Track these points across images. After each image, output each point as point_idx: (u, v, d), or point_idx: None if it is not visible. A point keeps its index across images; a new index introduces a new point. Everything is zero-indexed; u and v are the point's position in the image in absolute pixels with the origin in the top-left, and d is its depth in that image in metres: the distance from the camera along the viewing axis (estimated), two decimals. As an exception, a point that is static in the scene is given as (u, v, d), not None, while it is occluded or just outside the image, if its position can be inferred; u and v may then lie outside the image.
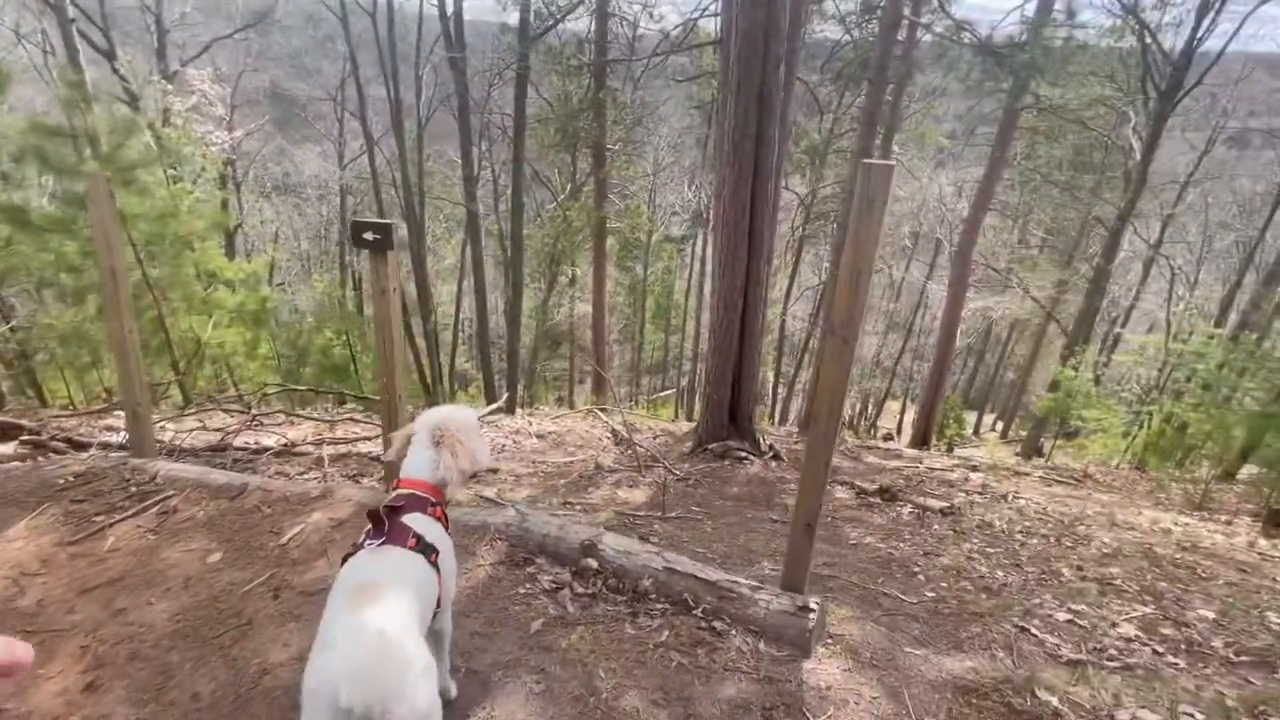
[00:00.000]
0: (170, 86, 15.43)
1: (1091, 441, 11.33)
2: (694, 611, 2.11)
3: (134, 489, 2.94)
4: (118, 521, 2.71)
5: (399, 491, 1.51)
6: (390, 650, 1.13)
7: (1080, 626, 2.47)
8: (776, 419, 20.74)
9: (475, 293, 13.63)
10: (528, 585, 2.27)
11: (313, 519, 2.64)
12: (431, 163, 18.23)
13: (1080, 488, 6.05)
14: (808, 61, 13.00)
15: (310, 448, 5.03)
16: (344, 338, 11.05)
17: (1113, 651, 2.26)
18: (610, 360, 21.60)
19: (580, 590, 2.23)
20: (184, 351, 6.99)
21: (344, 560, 1.38)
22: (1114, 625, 2.48)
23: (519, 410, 9.73)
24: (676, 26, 11.43)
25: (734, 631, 2.05)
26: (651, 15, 12.48)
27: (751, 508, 4.27)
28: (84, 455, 3.83)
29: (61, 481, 3.05)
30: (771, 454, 5.61)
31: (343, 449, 5.05)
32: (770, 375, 22.68)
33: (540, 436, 7.07)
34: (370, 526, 1.44)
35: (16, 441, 4.01)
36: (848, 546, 3.49)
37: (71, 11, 11.46)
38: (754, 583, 2.17)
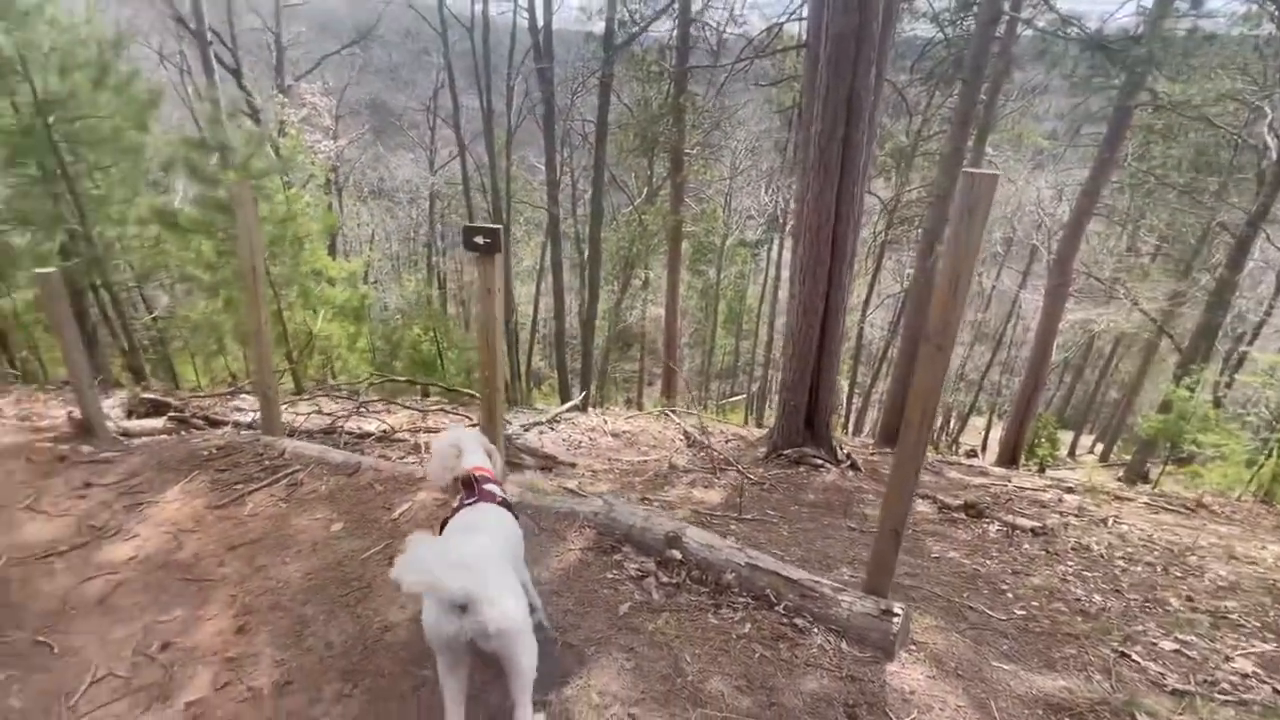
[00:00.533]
0: (286, 100, 16.84)
1: (1208, 469, 10.36)
2: (776, 607, 2.17)
3: (266, 462, 3.31)
4: (254, 490, 3.06)
5: (480, 472, 1.93)
6: (485, 560, 1.44)
7: (1189, 658, 2.34)
8: (850, 429, 20.16)
9: (554, 294, 14.07)
10: (615, 571, 2.40)
11: (419, 497, 2.89)
12: (515, 168, 18.96)
13: (1193, 517, 5.59)
14: (895, 61, 12.62)
15: (406, 435, 5.42)
16: (432, 334, 11.72)
17: (1226, 686, 2.13)
18: (680, 364, 21.67)
19: (665, 579, 2.34)
20: (297, 342, 7.66)
21: (443, 524, 1.79)
22: (1228, 659, 2.33)
23: (591, 409, 9.99)
24: (761, 32, 11.40)
25: (816, 629, 2.09)
26: (735, 20, 12.49)
27: (828, 515, 4.25)
28: (220, 431, 4.31)
29: (206, 453, 3.47)
30: (849, 463, 5.52)
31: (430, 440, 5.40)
32: (845, 384, 22.05)
33: (615, 435, 7.25)
34: (463, 492, 1.87)
35: (165, 417, 4.56)
36: (930, 560, 3.42)
37: (208, 35, 12.77)
38: (836, 584, 2.20)
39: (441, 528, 1.81)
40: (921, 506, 4.40)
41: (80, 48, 6.81)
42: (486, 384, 2.84)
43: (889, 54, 5.79)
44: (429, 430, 5.65)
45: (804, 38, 7.72)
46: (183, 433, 4.35)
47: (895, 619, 2.01)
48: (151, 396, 4.90)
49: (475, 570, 1.35)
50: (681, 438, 7.16)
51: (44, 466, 3.39)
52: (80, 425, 3.83)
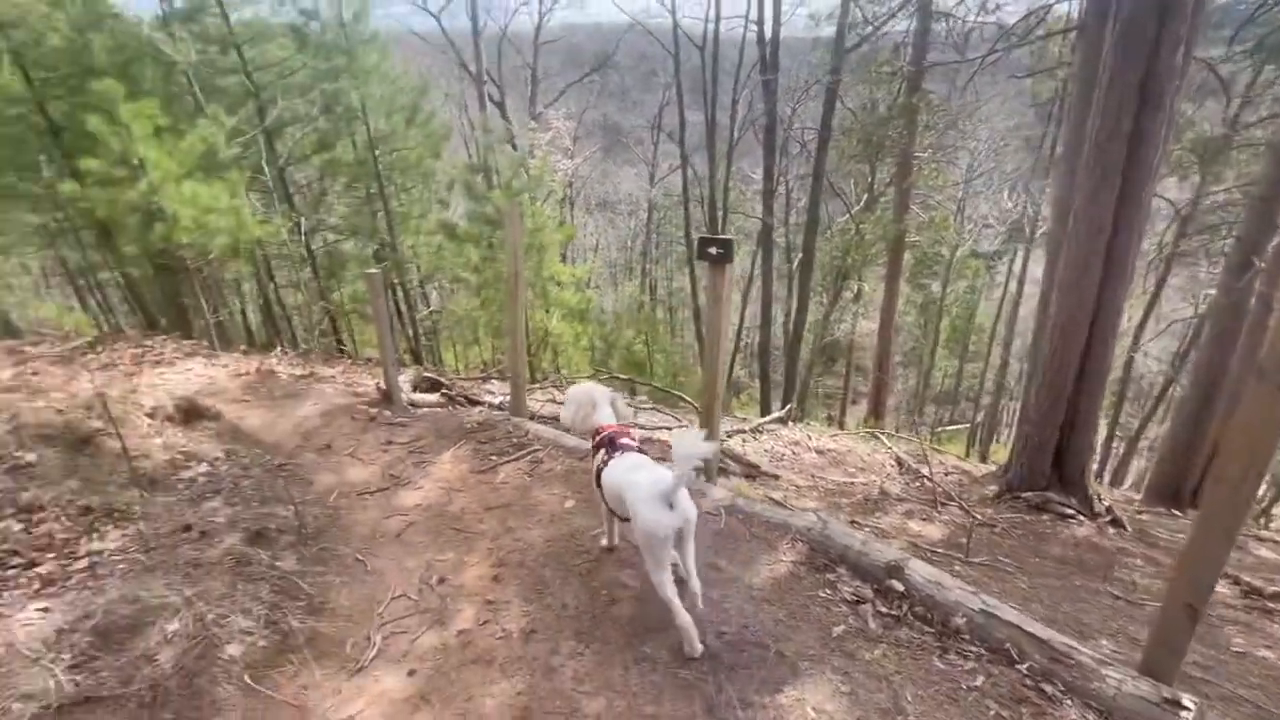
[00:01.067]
0: (536, 126, 19.27)
1: None
2: (1017, 666, 1.93)
3: (515, 440, 3.84)
4: (505, 462, 3.58)
5: (609, 432, 2.33)
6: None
7: None
8: (1107, 479, 16.78)
9: (761, 303, 14.02)
10: (828, 590, 2.34)
11: (639, 488, 3.12)
12: (731, 178, 19.30)
13: None
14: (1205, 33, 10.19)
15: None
16: (643, 337, 12.45)
17: None
18: (892, 383, 20.06)
19: (883, 609, 2.22)
20: (535, 338, 8.75)
21: (598, 473, 2.25)
22: None
23: (791, 423, 9.75)
24: (1021, 18, 10.09)
25: (1069, 702, 1.82)
26: (986, 8, 11.22)
27: (1080, 574, 3.62)
28: (478, 409, 5.09)
29: (470, 426, 4.14)
30: (1108, 517, 4.64)
31: (646, 434, 5.75)
32: (1104, 424, 18.41)
33: (819, 452, 6.99)
34: (605, 449, 2.28)
35: (439, 393, 5.53)
36: (1230, 653, 2.74)
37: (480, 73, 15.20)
38: (1098, 655, 1.89)
39: (598, 476, 2.27)
40: (1219, 586, 3.54)
41: (399, 95, 8.59)
42: (708, 387, 2.96)
43: (1200, 29, 4.75)
44: (641, 426, 6.04)
45: (1077, 18, 6.66)
46: (451, 408, 5.23)
47: (1185, 713, 1.66)
48: (430, 375, 5.98)
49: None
50: (893, 463, 6.67)
51: (361, 424, 4.34)
52: (384, 394, 4.83)
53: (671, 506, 1.91)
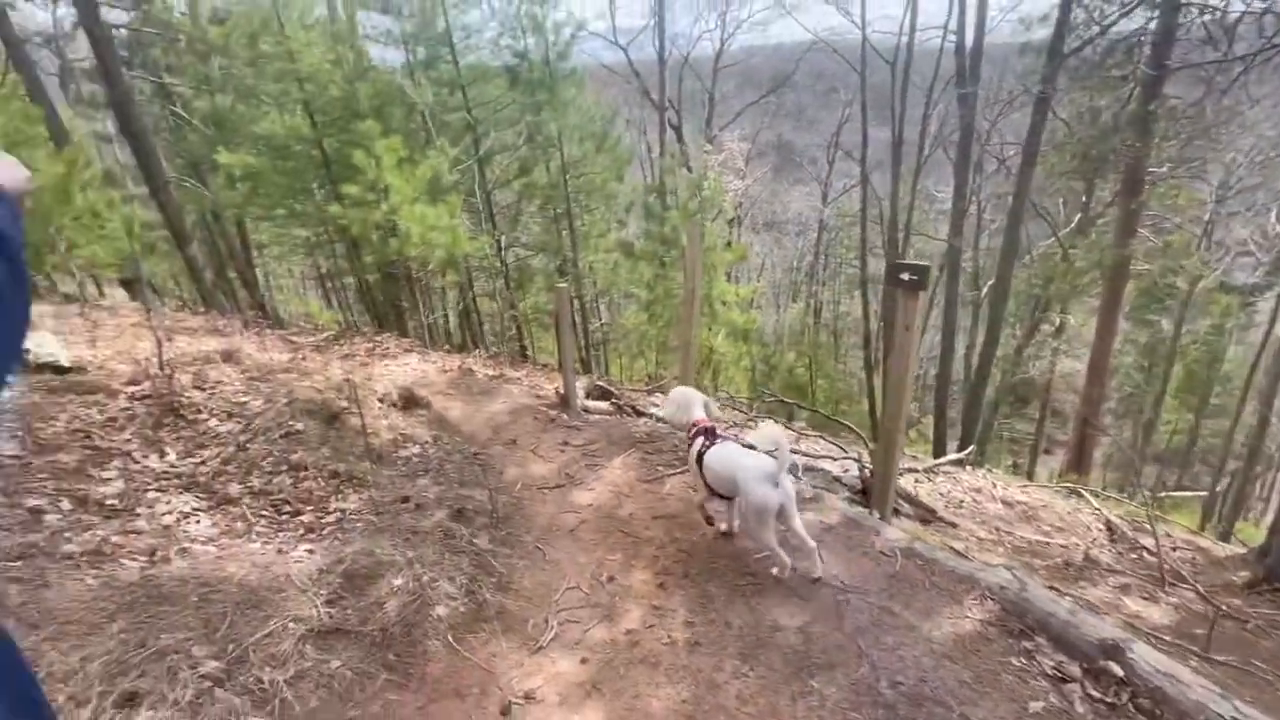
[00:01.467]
0: (710, 148, 19.71)
1: None
2: (1284, 796, 1.58)
3: (680, 453, 3.95)
4: (672, 474, 3.70)
5: (704, 425, 2.90)
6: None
7: None
8: None
9: (942, 332, 12.89)
10: (1023, 659, 2.10)
11: (805, 516, 3.04)
12: (915, 197, 18.08)
13: None
14: None
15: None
16: (807, 361, 12.07)
17: None
18: (1100, 434, 17.20)
19: (1094, 693, 1.94)
20: (698, 356, 8.92)
21: (699, 457, 2.79)
22: None
23: (969, 467, 8.81)
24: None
25: None
26: (1260, -6, 9.30)
27: (1377, 701, 2.83)
28: (643, 421, 5.31)
29: (638, 436, 4.34)
30: None
31: (808, 461, 5.57)
32: None
33: (1006, 503, 6.25)
34: (704, 437, 2.83)
35: (609, 401, 5.86)
36: None
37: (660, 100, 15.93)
38: None
39: (699, 459, 2.78)
40: None
41: (590, 123, 9.32)
42: (890, 421, 2.82)
43: None
44: (801, 453, 5.86)
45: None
46: (620, 416, 5.51)
47: None
48: (602, 384, 6.36)
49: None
50: (1101, 527, 5.76)
51: (542, 424, 4.75)
52: (562, 399, 5.23)
53: (776, 485, 2.40)
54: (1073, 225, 15.54)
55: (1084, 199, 15.88)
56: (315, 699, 1.85)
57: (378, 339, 7.47)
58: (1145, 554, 4.79)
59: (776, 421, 6.75)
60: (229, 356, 4.91)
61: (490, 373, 6.42)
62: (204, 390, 4.02)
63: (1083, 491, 7.23)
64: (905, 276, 2.62)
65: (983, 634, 2.22)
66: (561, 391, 5.33)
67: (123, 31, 12.03)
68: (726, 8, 23.30)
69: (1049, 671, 2.03)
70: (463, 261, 7.88)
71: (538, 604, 2.54)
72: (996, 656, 2.11)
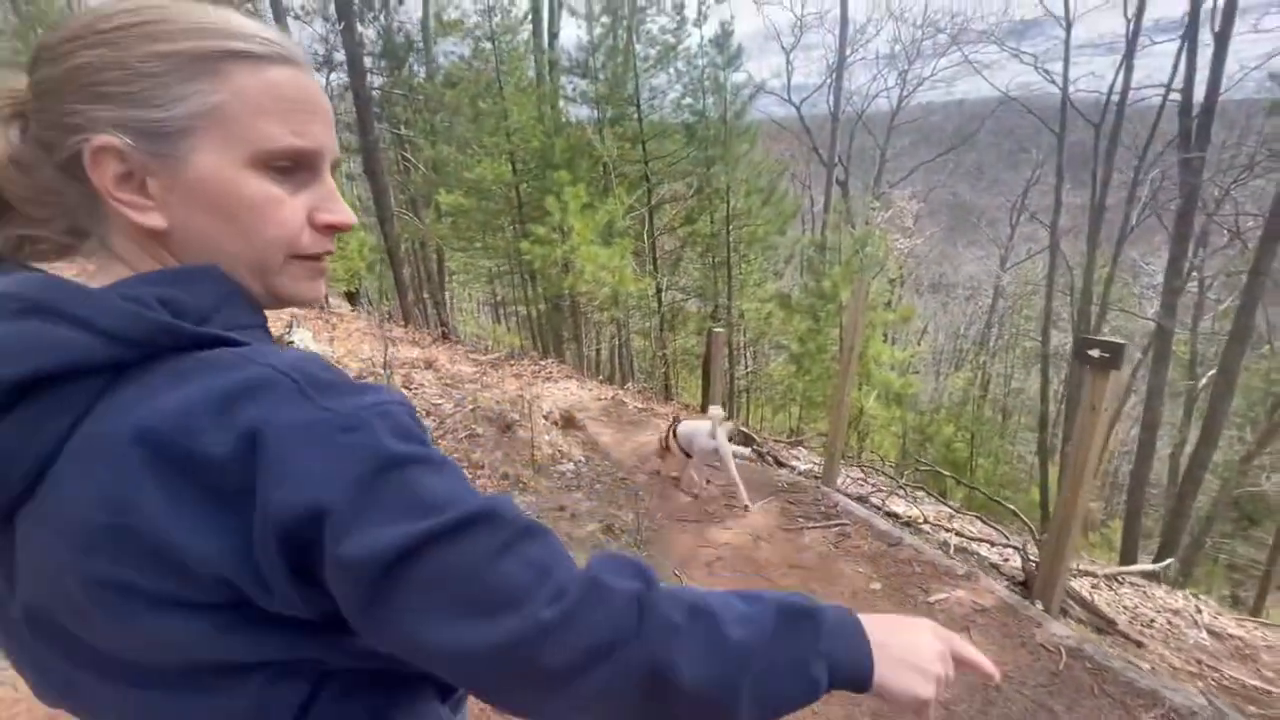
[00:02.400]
0: (878, 204, 19.19)
1: None
2: None
3: (822, 508, 3.92)
4: (811, 527, 3.69)
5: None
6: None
7: None
8: None
9: (1142, 424, 11.20)
10: (1215, 798, 1.84)
11: (957, 594, 2.89)
12: (1116, 269, 16.09)
13: None
14: None
15: (930, 528, 5.37)
16: (968, 436, 11.10)
17: None
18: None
19: None
20: (849, 414, 8.66)
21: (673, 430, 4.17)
22: None
23: (1185, 592, 7.47)
24: None
25: None
26: None
27: None
28: (784, 471, 5.30)
29: (779, 484, 4.36)
30: None
31: (963, 543, 5.16)
32: None
33: (1214, 634, 5.26)
34: (674, 420, 4.30)
35: (750, 448, 5.92)
36: None
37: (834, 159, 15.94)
38: None
39: (672, 432, 4.18)
40: None
41: (759, 177, 9.64)
42: (1066, 505, 2.63)
43: None
44: (954, 531, 5.44)
45: None
46: (760, 464, 5.55)
47: None
48: (745, 430, 6.44)
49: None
50: (1353, 689, 4.65)
51: (685, 459, 4.95)
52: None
53: (713, 438, 3.72)
54: (1334, 315, 12.85)
55: (1354, 284, 13.10)
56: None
57: (542, 363, 8.23)
58: None
59: (923, 490, 6.34)
60: (429, 364, 5.75)
61: (639, 405, 6.79)
62: (410, 390, 4.76)
63: (1329, 640, 5.88)
64: (1095, 354, 2.47)
65: (1163, 758, 1.98)
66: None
67: (376, 92, 14.73)
68: (908, 66, 22.87)
69: (1249, 819, 1.77)
70: (625, 300, 8.47)
71: (673, 625, 2.68)
72: (1179, 786, 1.87)
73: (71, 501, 0.39)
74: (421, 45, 14.30)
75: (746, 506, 3.86)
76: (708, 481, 4.48)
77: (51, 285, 0.42)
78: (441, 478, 0.42)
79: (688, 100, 10.01)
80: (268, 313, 0.53)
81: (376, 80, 14.95)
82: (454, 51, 11.91)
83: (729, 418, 5.14)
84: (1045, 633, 2.60)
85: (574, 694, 0.41)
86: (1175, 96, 10.34)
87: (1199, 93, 9.88)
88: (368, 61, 14.05)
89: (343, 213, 0.51)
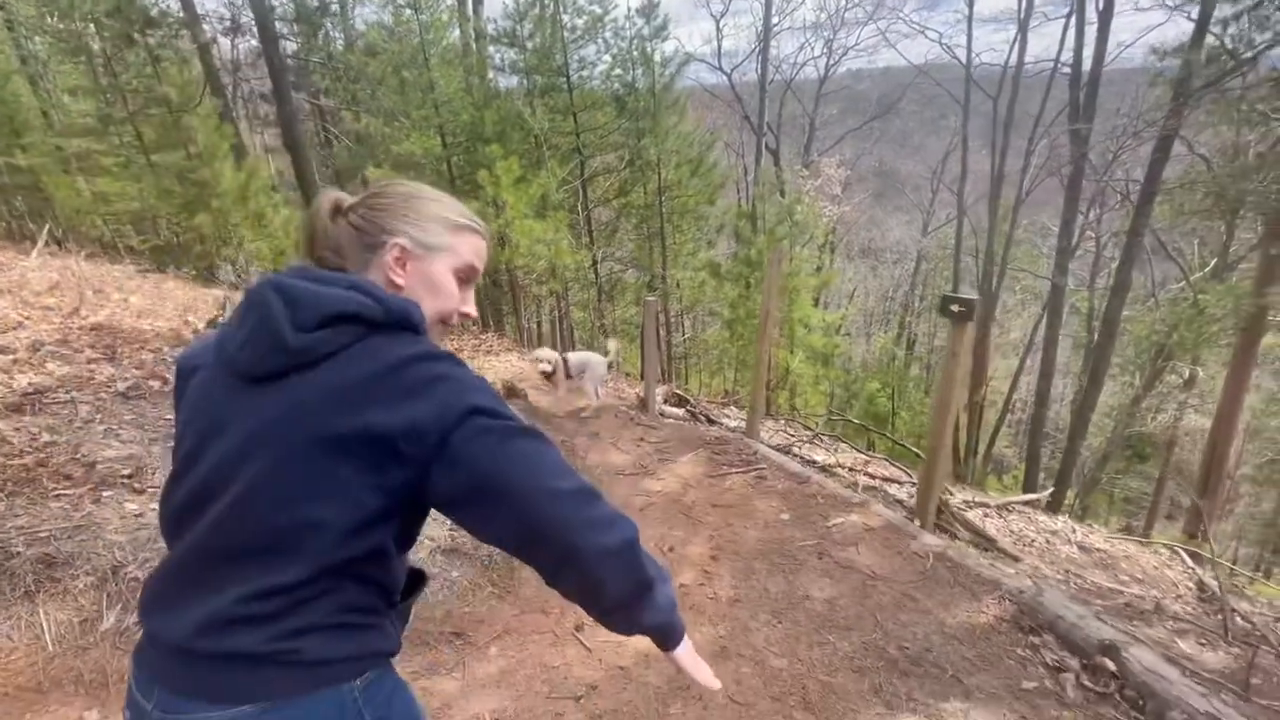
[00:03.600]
0: (806, 173, 19.82)
1: None
2: (1241, 779, 1.80)
3: (744, 456, 4.36)
4: (732, 473, 4.12)
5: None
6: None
7: None
8: None
9: (1040, 374, 12.35)
10: (1026, 650, 2.36)
11: (850, 518, 3.38)
12: (1023, 231, 17.31)
13: None
14: None
15: (845, 471, 5.95)
16: (889, 391, 11.96)
17: None
18: (1229, 503, 15.57)
19: (1087, 683, 2.19)
20: (775, 374, 9.21)
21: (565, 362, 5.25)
22: None
23: (1063, 516, 8.48)
24: None
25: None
26: None
27: None
28: (714, 428, 5.74)
29: (708, 439, 4.78)
30: None
31: (873, 484, 5.77)
32: None
33: (1083, 549, 6.11)
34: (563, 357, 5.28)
35: (684, 408, 6.34)
36: None
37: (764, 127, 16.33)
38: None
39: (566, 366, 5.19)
40: None
41: (688, 148, 9.91)
42: (933, 439, 3.12)
43: None
44: (868, 474, 6.06)
45: None
46: (693, 422, 5.97)
47: None
48: (679, 393, 6.85)
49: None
50: (1191, 586, 5.54)
51: (623, 421, 5.30)
52: (642, 402, 5.77)
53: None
54: (1209, 269, 14.37)
55: (1225, 240, 14.66)
56: (441, 594, 2.45)
57: (482, 336, 8.37)
58: (1240, 620, 4.63)
59: (843, 442, 6.96)
60: (369, 341, 5.84)
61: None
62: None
63: (1179, 549, 6.90)
64: (954, 308, 2.94)
65: (994, 626, 2.49)
66: (642, 395, 5.87)
67: (290, 60, 14.01)
68: (833, 35, 23.41)
69: (1049, 662, 2.29)
70: (562, 272, 8.66)
71: (608, 560, 3.05)
72: (1002, 645, 2.39)
73: (343, 380, 0.73)
74: (337, 10, 13.67)
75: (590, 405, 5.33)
76: (641, 439, 4.85)
77: (362, 280, 0.82)
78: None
79: (617, 71, 10.11)
80: None
81: (290, 46, 14.22)
82: (375, 18, 11.50)
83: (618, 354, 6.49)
84: (919, 544, 3.11)
85: (584, 545, 0.75)
86: (1067, 70, 11.19)
87: (1087, 66, 10.75)
88: (280, 27, 13.34)
89: (472, 308, 0.96)
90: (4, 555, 1.97)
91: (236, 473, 0.74)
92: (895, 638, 2.35)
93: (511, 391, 5.67)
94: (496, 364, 7.27)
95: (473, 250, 0.93)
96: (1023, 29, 12.10)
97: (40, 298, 5.20)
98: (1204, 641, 3.79)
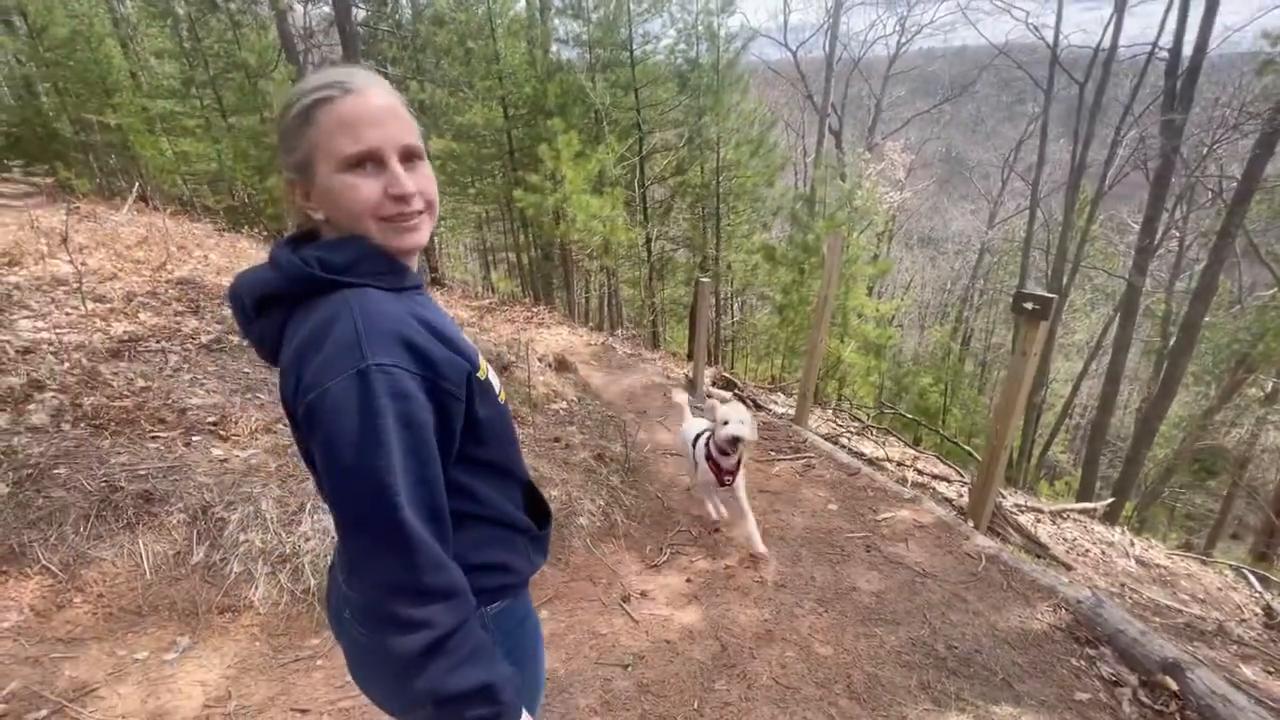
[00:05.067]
0: (869, 156, 19.14)
1: None
2: (1309, 813, 1.72)
3: (792, 443, 4.34)
4: (780, 459, 4.11)
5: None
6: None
7: None
8: None
9: (1106, 378, 11.75)
10: (1081, 661, 2.31)
11: (901, 514, 3.33)
12: (1098, 226, 16.34)
13: None
14: None
15: (894, 468, 5.85)
16: (943, 386, 11.60)
17: None
18: (1305, 524, 14.54)
19: (1145, 700, 2.12)
20: (826, 363, 9.06)
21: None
22: None
23: (1120, 528, 8.13)
24: None
25: None
26: None
27: None
28: (762, 413, 5.71)
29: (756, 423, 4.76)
30: None
31: (922, 479, 5.65)
32: None
33: (1141, 563, 5.87)
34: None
35: (731, 392, 6.32)
36: None
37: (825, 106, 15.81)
38: None
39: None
40: None
41: (749, 128, 9.70)
42: (995, 439, 3.03)
43: None
44: (918, 470, 5.93)
45: None
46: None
47: None
48: (727, 376, 6.83)
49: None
50: (1258, 611, 5.26)
51: (669, 401, 5.33)
52: (690, 383, 5.78)
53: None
54: (1304, 276, 13.30)
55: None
56: (495, 556, 2.55)
57: (534, 309, 8.49)
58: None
59: (893, 435, 6.80)
60: (428, 308, 6.01)
61: (628, 351, 7.13)
62: (413, 331, 5.05)
63: (1247, 572, 6.54)
64: (1028, 305, 2.82)
65: (1047, 634, 2.43)
66: (690, 376, 5.87)
67: (361, 29, 14.30)
68: (907, 11, 22.34)
69: (1105, 675, 2.23)
70: (615, 249, 8.68)
71: (655, 536, 3.10)
72: (1056, 653, 2.34)
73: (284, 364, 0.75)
74: (408, -22, 13.82)
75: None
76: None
77: (281, 250, 0.79)
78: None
79: (681, 46, 9.93)
80: None
81: (360, 14, 14.50)
82: (443, -13, 11.59)
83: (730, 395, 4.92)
84: (971, 544, 3.05)
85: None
86: (1164, 54, 10.40)
87: (1187, 51, 9.96)
88: (352, -6, 13.60)
89: (399, 184, 0.76)
90: (110, 489, 2.16)
91: None
92: (944, 636, 2.33)
93: (563, 365, 5.76)
94: (547, 336, 7.38)
95: (338, 127, 0.73)
96: (1119, 9, 11.28)
97: (131, 251, 5.55)
98: (1271, 669, 3.61)
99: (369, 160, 0.74)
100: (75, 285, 4.07)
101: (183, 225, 7.88)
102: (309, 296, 0.75)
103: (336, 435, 0.66)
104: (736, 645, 2.25)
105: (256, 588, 2.09)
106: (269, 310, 0.78)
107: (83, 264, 4.80)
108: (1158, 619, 4.45)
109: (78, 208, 7.12)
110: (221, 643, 1.95)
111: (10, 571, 1.95)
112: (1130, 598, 4.85)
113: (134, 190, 7.86)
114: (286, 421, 0.81)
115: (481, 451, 0.85)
